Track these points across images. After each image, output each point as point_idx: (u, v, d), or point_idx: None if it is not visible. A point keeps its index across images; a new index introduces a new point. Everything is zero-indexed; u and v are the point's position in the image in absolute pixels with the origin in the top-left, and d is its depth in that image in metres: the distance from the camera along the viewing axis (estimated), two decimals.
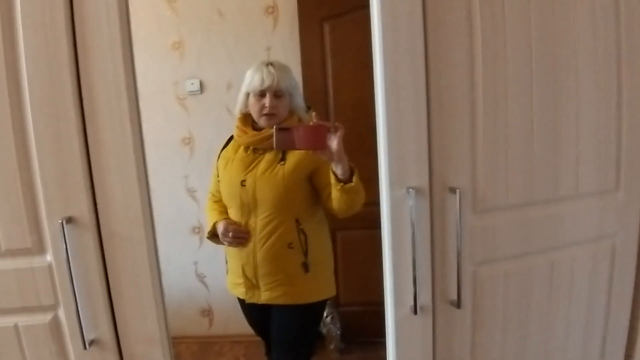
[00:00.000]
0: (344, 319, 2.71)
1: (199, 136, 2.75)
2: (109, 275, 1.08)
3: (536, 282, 1.28)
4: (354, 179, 1.47)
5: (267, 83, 1.61)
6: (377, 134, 1.12)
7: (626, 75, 1.25)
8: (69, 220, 1.02)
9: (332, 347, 2.69)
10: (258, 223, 1.64)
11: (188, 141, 2.77)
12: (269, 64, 1.65)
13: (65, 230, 1.01)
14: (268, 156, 1.64)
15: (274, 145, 1.40)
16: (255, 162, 1.65)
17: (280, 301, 1.70)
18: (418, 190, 1.09)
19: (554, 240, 1.28)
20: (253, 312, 1.83)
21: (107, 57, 0.99)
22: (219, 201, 1.79)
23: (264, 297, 1.70)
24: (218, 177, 1.76)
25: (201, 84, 2.72)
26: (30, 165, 1.04)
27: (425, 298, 1.14)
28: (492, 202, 1.19)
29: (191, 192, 2.79)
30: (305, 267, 1.67)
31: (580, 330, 1.37)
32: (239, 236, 1.66)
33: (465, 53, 1.12)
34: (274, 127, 1.39)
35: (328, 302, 2.53)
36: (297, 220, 1.65)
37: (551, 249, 1.29)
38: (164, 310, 1.12)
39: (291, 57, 2.57)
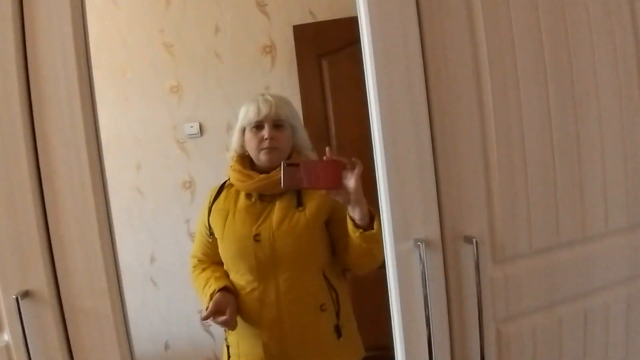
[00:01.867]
0: None
1: (199, 180, 2.62)
2: (74, 354, 0.90)
3: (568, 334, 1.10)
4: (375, 225, 1.19)
5: (264, 112, 1.34)
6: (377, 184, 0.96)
7: None
8: (26, 294, 0.86)
9: None
10: (281, 285, 1.31)
11: (189, 185, 2.65)
12: (265, 93, 1.40)
13: (20, 306, 0.84)
14: (280, 203, 1.34)
15: (282, 184, 1.15)
16: (267, 212, 1.34)
17: None
18: (428, 242, 0.91)
19: (584, 285, 1.11)
20: None
21: (64, 110, 0.85)
22: (207, 268, 1.43)
23: None
24: (211, 236, 1.41)
25: (200, 127, 2.62)
26: None
27: None
28: (513, 250, 1.02)
29: (193, 237, 2.62)
30: (338, 331, 1.36)
31: None
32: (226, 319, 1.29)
33: (472, 81, 0.97)
34: (282, 162, 1.15)
35: None
36: (324, 276, 1.35)
37: (582, 296, 1.11)
38: None
39: (290, 95, 2.45)
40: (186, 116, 2.61)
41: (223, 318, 1.27)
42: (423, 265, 0.90)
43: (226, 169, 1.46)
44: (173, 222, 2.62)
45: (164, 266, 2.63)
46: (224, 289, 1.33)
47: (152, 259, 2.59)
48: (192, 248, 1.51)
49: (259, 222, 1.33)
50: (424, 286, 0.90)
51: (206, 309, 1.30)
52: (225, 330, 1.39)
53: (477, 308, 0.95)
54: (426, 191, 0.92)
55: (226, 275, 1.40)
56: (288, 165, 1.14)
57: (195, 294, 1.43)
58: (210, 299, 1.31)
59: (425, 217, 0.92)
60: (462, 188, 0.96)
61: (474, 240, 0.93)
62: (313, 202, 1.32)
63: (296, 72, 2.48)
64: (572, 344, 1.10)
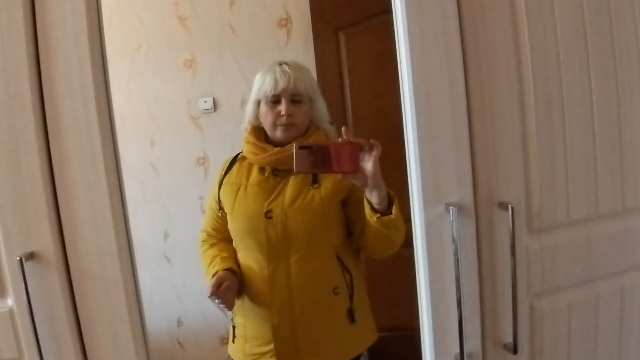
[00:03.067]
0: (371, 346, 2.46)
1: (213, 155, 2.55)
2: (81, 321, 0.85)
3: (605, 313, 1.04)
4: (394, 209, 1.12)
5: (281, 85, 1.23)
6: (404, 145, 0.89)
7: None
8: (30, 256, 0.81)
9: None
10: (292, 266, 1.24)
11: (202, 161, 2.59)
12: (283, 63, 1.28)
13: (24, 268, 0.79)
14: (294, 179, 1.26)
15: (294, 167, 1.05)
16: (280, 188, 1.26)
17: None
18: (460, 207, 0.84)
19: (623, 260, 1.05)
20: None
21: (72, 60, 0.79)
22: (216, 244, 1.36)
23: None
24: (221, 210, 1.33)
25: (214, 102, 2.55)
26: None
27: (473, 343, 0.88)
28: (551, 219, 0.95)
29: None
30: (351, 315, 1.28)
31: None
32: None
33: (510, 41, 0.90)
34: (294, 144, 1.05)
35: None
36: (338, 257, 1.28)
37: (620, 271, 1.05)
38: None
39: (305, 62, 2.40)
40: (200, 91, 2.54)
41: (219, 299, 1.20)
42: (454, 232, 0.82)
43: (240, 144, 1.38)
44: (187, 198, 2.57)
45: (178, 243, 2.59)
46: (227, 270, 1.26)
47: (166, 236, 2.54)
48: (202, 222, 1.44)
49: (272, 198, 1.25)
50: (455, 253, 0.83)
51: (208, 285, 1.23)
52: (233, 312, 1.32)
53: (510, 279, 0.88)
54: (460, 152, 0.85)
55: (234, 255, 1.33)
56: (301, 147, 1.04)
57: (201, 269, 1.37)
58: (212, 275, 1.25)
59: (458, 181, 0.85)
60: (498, 151, 0.89)
61: (509, 206, 0.86)
62: (329, 180, 1.24)
63: (312, 46, 2.39)
64: (609, 322, 1.04)
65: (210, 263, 1.30)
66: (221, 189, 1.33)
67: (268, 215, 1.23)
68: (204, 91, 2.54)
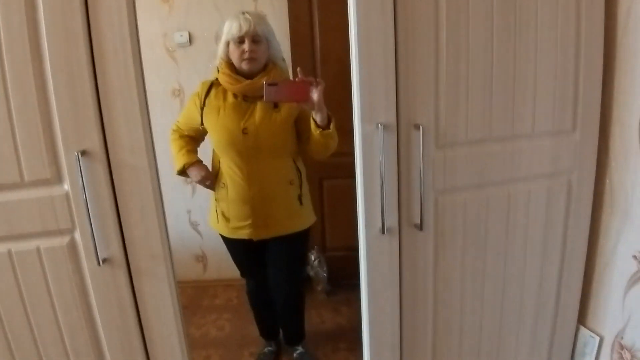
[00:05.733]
0: (330, 263, 2.93)
1: (188, 88, 2.85)
2: (118, 201, 1.27)
3: (493, 210, 1.47)
4: (331, 126, 1.69)
5: (244, 29, 1.74)
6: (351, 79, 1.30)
7: (586, 14, 1.39)
8: (83, 152, 1.21)
9: (319, 288, 2.93)
10: (263, 166, 1.83)
11: (178, 93, 2.89)
12: (245, 12, 1.79)
13: (80, 161, 1.20)
14: (260, 104, 1.79)
15: (264, 98, 1.59)
16: (250, 110, 1.80)
17: (283, 232, 1.94)
18: (386, 126, 1.28)
19: (510, 173, 1.46)
20: (250, 250, 2.02)
21: (113, 9, 1.16)
22: (184, 137, 1.96)
23: (272, 232, 1.92)
24: (202, 125, 1.87)
25: (190, 36, 2.82)
26: (48, 105, 1.19)
27: (392, 220, 1.36)
28: (453, 138, 1.38)
29: None
30: (300, 199, 1.94)
31: (538, 255, 1.57)
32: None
33: (432, 5, 1.28)
34: (264, 82, 1.58)
35: (315, 246, 2.80)
36: (293, 160, 1.91)
37: (508, 182, 1.47)
38: (166, 231, 1.32)
39: (278, 8, 2.70)
40: (176, 25, 2.79)
41: (209, 182, 1.91)
42: (381, 144, 1.28)
43: (213, 74, 1.87)
44: (162, 128, 2.83)
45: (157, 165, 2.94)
46: (197, 162, 1.92)
47: None
48: (178, 118, 2.02)
49: (245, 118, 1.79)
50: (381, 160, 1.29)
51: (177, 171, 1.92)
52: (215, 199, 1.96)
53: (420, 181, 1.34)
54: (388, 86, 1.27)
55: (196, 148, 1.97)
56: (269, 84, 1.58)
57: (171, 150, 1.98)
58: (184, 166, 1.90)
59: (386, 106, 1.28)
60: (416, 84, 1.30)
61: (421, 127, 1.30)
62: (286, 105, 1.81)
63: None
64: (497, 218, 1.48)
65: (180, 151, 1.93)
66: (204, 109, 1.86)
67: (244, 131, 1.79)
68: (179, 25, 2.79)
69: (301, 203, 1.95)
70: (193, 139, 1.99)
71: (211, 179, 1.92)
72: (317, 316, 2.79)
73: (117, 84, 1.19)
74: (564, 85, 1.44)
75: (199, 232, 3.10)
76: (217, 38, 2.71)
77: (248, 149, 1.81)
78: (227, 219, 1.94)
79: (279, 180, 1.89)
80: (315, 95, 1.61)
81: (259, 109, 1.80)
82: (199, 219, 3.08)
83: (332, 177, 2.86)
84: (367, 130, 1.28)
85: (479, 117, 1.39)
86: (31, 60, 1.16)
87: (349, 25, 1.27)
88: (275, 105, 1.81)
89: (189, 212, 3.07)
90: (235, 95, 1.83)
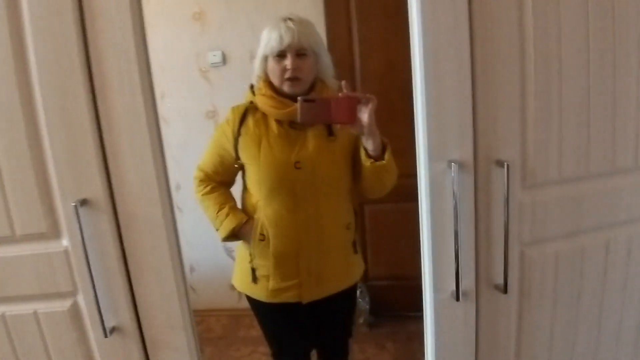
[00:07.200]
0: (372, 294, 2.70)
1: (223, 109, 2.66)
2: (128, 259, 1.01)
3: (589, 263, 1.17)
4: (386, 156, 1.33)
5: (286, 41, 1.35)
6: (412, 102, 1.01)
7: None
8: (84, 202, 0.96)
9: (361, 321, 2.67)
10: (317, 207, 1.43)
11: (212, 114, 2.71)
12: (288, 19, 1.40)
13: (79, 212, 0.94)
14: (312, 131, 1.41)
15: (299, 118, 1.25)
16: (301, 140, 1.41)
17: (337, 289, 1.54)
18: (461, 164, 0.98)
19: (609, 217, 1.17)
20: (294, 318, 1.58)
21: (115, 25, 0.90)
22: (217, 187, 1.55)
23: (325, 290, 1.51)
24: (238, 160, 1.48)
25: (223, 55, 2.64)
26: (41, 146, 0.96)
27: (468, 282, 1.04)
28: (543, 176, 1.07)
29: None
30: (355, 246, 1.55)
31: (636, 314, 1.25)
32: None
33: (515, 10, 0.98)
34: (299, 98, 1.24)
35: None
36: (349, 199, 1.52)
37: (606, 227, 1.17)
38: (187, 295, 1.06)
39: (315, 22, 2.43)
40: (209, 44, 2.62)
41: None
42: (455, 186, 0.96)
43: (245, 96, 1.50)
44: (197, 151, 2.66)
45: (189, 194, 2.70)
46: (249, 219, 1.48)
47: (178, 187, 2.68)
48: (201, 161, 1.58)
49: (296, 150, 1.40)
50: (455, 206, 0.98)
51: (225, 237, 1.50)
52: (250, 254, 1.50)
53: (503, 230, 1.02)
54: (462, 115, 0.97)
55: (236, 204, 1.53)
56: (305, 100, 1.23)
57: (201, 207, 1.56)
58: (233, 229, 1.47)
59: (460, 140, 0.98)
60: (498, 113, 1.00)
61: (505, 164, 0.99)
62: (343, 132, 1.39)
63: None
64: (593, 273, 1.18)
65: (220, 210, 1.50)
66: (240, 140, 1.44)
67: (297, 166, 1.39)
68: (212, 44, 2.62)
69: (355, 251, 1.56)
70: (226, 185, 1.57)
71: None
72: (360, 352, 2.53)
73: (124, 119, 0.94)
74: None
75: (233, 259, 2.82)
76: (252, 56, 2.50)
77: (301, 187, 1.41)
78: (267, 279, 1.50)
79: (336, 224, 1.48)
80: (365, 115, 1.24)
81: (311, 138, 1.40)
82: (234, 245, 2.80)
83: (373, 202, 2.56)
84: (437, 169, 0.98)
85: (574, 150, 1.08)
86: (18, 90, 0.92)
87: (410, 39, 0.98)
88: (331, 133, 1.41)
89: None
90: (280, 122, 1.42)
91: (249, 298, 1.58)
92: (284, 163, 1.40)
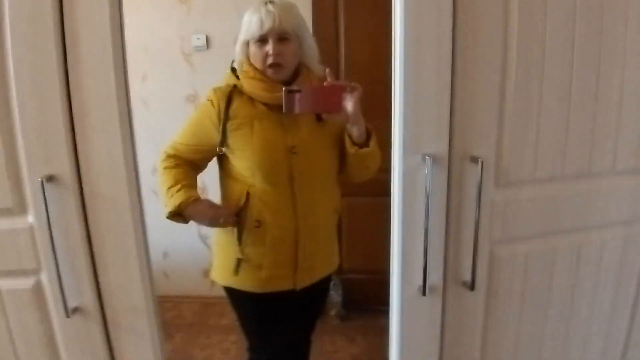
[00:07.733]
0: (346, 286, 2.70)
1: (203, 93, 2.57)
2: (93, 240, 0.99)
3: (560, 266, 1.17)
4: (371, 143, 1.33)
5: (267, 26, 1.29)
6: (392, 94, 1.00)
7: None
8: (50, 178, 0.93)
9: (333, 313, 2.68)
10: (312, 192, 1.40)
11: (193, 98, 2.66)
12: (268, 1, 1.33)
13: (45, 189, 0.91)
14: (302, 116, 1.36)
15: (284, 109, 1.21)
16: (292, 124, 1.37)
17: (323, 274, 1.52)
18: (435, 158, 0.97)
19: (582, 220, 1.17)
20: (283, 307, 1.51)
21: (92, 2, 0.87)
22: (181, 166, 1.43)
23: (315, 275, 1.49)
24: (223, 143, 1.38)
25: (207, 39, 2.60)
26: (10, 119, 0.93)
27: (435, 278, 1.04)
28: (517, 175, 1.07)
29: None
30: (339, 230, 1.55)
31: (605, 320, 1.27)
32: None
33: (500, 5, 0.98)
34: (283, 89, 1.20)
35: None
36: (337, 183, 1.50)
37: (579, 230, 1.17)
38: (151, 278, 1.03)
39: (301, 10, 2.41)
40: (193, 28, 2.58)
41: (229, 218, 1.38)
42: (428, 180, 0.96)
43: (227, 79, 1.43)
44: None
45: None
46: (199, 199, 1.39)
47: (154, 171, 2.61)
48: (176, 138, 1.47)
49: (291, 134, 1.36)
50: (427, 200, 0.97)
51: (169, 213, 1.36)
52: (238, 243, 1.41)
53: (474, 227, 1.02)
54: (440, 108, 0.96)
55: (195, 184, 1.43)
56: (289, 91, 1.20)
57: (159, 182, 1.44)
58: (179, 205, 1.34)
59: (436, 134, 0.97)
60: (476, 109, 1.00)
61: (479, 160, 0.98)
62: (331, 117, 1.37)
63: None
64: (563, 276, 1.18)
65: (174, 185, 1.37)
66: (229, 123, 1.36)
67: (293, 150, 1.35)
68: (197, 28, 2.58)
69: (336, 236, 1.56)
70: (193, 167, 1.46)
71: (231, 214, 1.39)
72: (330, 344, 2.54)
73: (94, 96, 0.91)
74: None
75: (208, 246, 2.82)
76: (236, 42, 2.48)
77: (299, 172, 1.37)
78: (258, 268, 1.43)
79: (327, 209, 1.46)
80: (349, 104, 1.24)
81: (303, 124, 1.37)
82: (209, 232, 2.78)
83: (351, 195, 2.54)
84: (411, 162, 0.97)
85: (551, 149, 1.08)
86: None
87: (392, 28, 0.97)
88: (319, 118, 1.39)
89: (197, 225, 2.78)
90: (269, 106, 1.36)
91: (230, 290, 1.51)
92: (279, 148, 1.35)
